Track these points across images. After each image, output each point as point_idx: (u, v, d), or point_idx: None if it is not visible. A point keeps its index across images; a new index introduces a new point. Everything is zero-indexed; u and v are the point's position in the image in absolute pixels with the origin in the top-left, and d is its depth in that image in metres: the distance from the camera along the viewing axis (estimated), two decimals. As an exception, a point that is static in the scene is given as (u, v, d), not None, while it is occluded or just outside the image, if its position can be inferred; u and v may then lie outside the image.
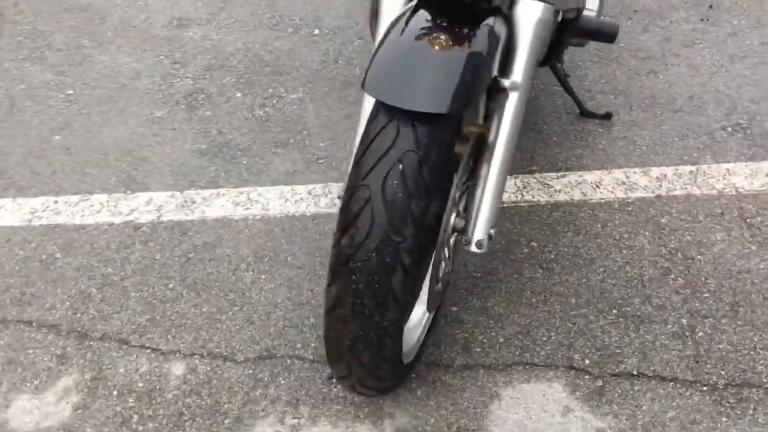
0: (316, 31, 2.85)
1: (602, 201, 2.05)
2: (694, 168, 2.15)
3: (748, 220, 1.98)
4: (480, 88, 1.26)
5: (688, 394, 1.59)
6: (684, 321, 1.73)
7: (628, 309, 1.76)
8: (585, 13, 1.93)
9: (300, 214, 2.08)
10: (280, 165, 2.26)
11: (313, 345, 1.72)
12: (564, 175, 2.13)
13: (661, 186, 2.09)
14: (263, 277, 1.91)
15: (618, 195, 2.06)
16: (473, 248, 1.42)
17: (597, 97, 2.42)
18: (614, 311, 1.76)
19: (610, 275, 1.85)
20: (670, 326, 1.72)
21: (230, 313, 1.82)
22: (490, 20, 1.34)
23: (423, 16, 1.33)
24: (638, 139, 2.25)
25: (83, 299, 1.85)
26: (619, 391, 1.60)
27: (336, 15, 2.92)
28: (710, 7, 2.85)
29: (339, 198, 1.47)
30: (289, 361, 1.70)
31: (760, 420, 1.53)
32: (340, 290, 1.25)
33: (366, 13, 2.10)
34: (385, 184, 1.20)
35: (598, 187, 2.09)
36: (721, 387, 1.60)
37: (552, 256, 1.89)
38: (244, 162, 2.28)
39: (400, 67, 1.23)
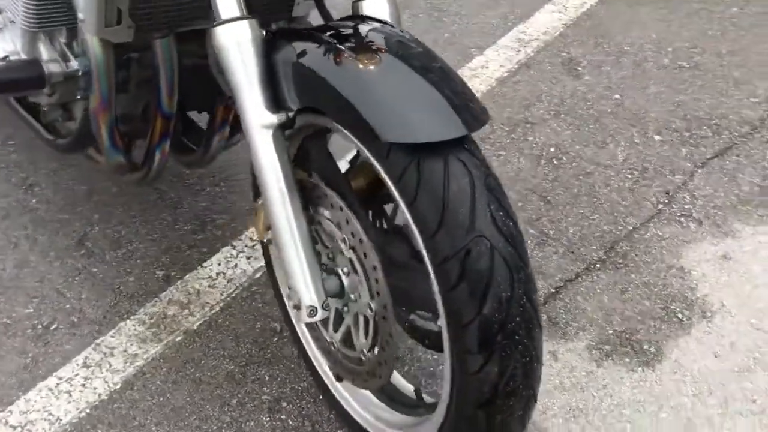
0: None
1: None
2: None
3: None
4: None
5: (596, 277, 1.73)
6: (531, 230, 1.87)
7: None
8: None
9: (107, 394, 1.50)
10: (9, 363, 1.58)
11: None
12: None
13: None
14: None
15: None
16: None
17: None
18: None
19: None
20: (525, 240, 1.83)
21: None
22: (371, 22, 1.17)
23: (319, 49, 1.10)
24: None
25: None
26: (562, 311, 1.64)
27: None
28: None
29: (297, 305, 1.15)
30: None
31: (646, 259, 1.76)
32: (502, 362, 0.99)
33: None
34: (496, 224, 0.99)
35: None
36: (605, 256, 1.78)
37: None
38: (-52, 394, 1.52)
39: (386, 104, 1.00)
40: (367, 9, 1.23)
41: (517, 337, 0.99)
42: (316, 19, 1.43)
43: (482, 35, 2.66)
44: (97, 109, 1.40)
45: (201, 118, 1.77)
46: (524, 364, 1.00)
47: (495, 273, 0.97)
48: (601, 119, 2.23)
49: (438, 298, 1.01)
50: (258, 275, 1.77)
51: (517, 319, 0.98)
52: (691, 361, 1.53)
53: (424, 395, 1.30)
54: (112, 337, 1.64)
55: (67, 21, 1.43)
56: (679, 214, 1.90)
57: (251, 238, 1.87)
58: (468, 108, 1.01)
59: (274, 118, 1.12)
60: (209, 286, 1.75)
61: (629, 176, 2.02)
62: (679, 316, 1.63)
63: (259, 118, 1.12)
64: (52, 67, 1.41)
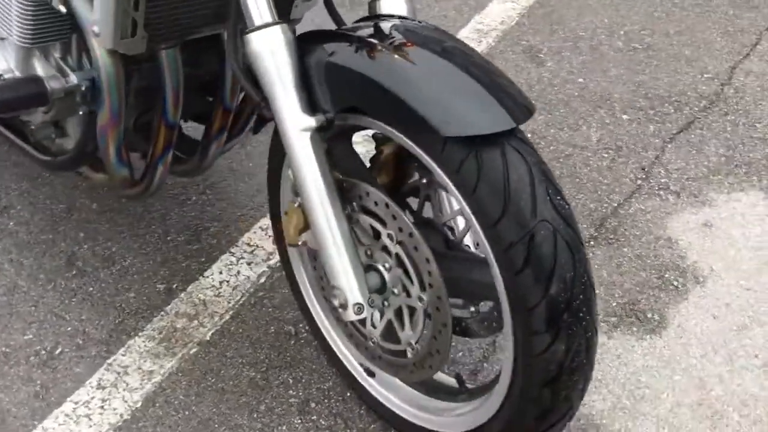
0: None
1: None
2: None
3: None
4: None
5: (591, 254, 1.77)
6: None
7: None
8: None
9: (130, 414, 1.47)
10: (18, 393, 1.52)
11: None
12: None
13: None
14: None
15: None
16: None
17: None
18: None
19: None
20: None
21: None
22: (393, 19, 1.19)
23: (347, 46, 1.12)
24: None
25: None
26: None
27: None
28: None
29: (343, 303, 1.17)
30: None
31: (635, 232, 1.85)
32: (569, 340, 1.03)
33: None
34: (556, 208, 1.03)
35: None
36: (596, 233, 1.85)
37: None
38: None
39: (438, 99, 1.03)
40: (384, 7, 1.25)
41: (581, 314, 1.03)
42: (320, 25, 1.44)
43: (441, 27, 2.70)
44: (107, 124, 1.37)
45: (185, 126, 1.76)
46: (587, 339, 1.05)
47: (559, 255, 1.01)
48: (570, 103, 2.32)
49: (500, 283, 1.04)
50: (262, 280, 1.76)
51: (581, 296, 1.03)
52: (693, 325, 1.62)
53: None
54: (123, 355, 1.60)
55: (62, 35, 1.39)
56: (657, 188, 1.99)
57: (248, 244, 1.86)
58: (515, 98, 1.05)
59: (312, 121, 1.13)
60: (215, 296, 1.73)
61: (606, 155, 2.11)
62: (675, 283, 1.72)
63: (297, 122, 1.13)
64: (53, 83, 1.37)
